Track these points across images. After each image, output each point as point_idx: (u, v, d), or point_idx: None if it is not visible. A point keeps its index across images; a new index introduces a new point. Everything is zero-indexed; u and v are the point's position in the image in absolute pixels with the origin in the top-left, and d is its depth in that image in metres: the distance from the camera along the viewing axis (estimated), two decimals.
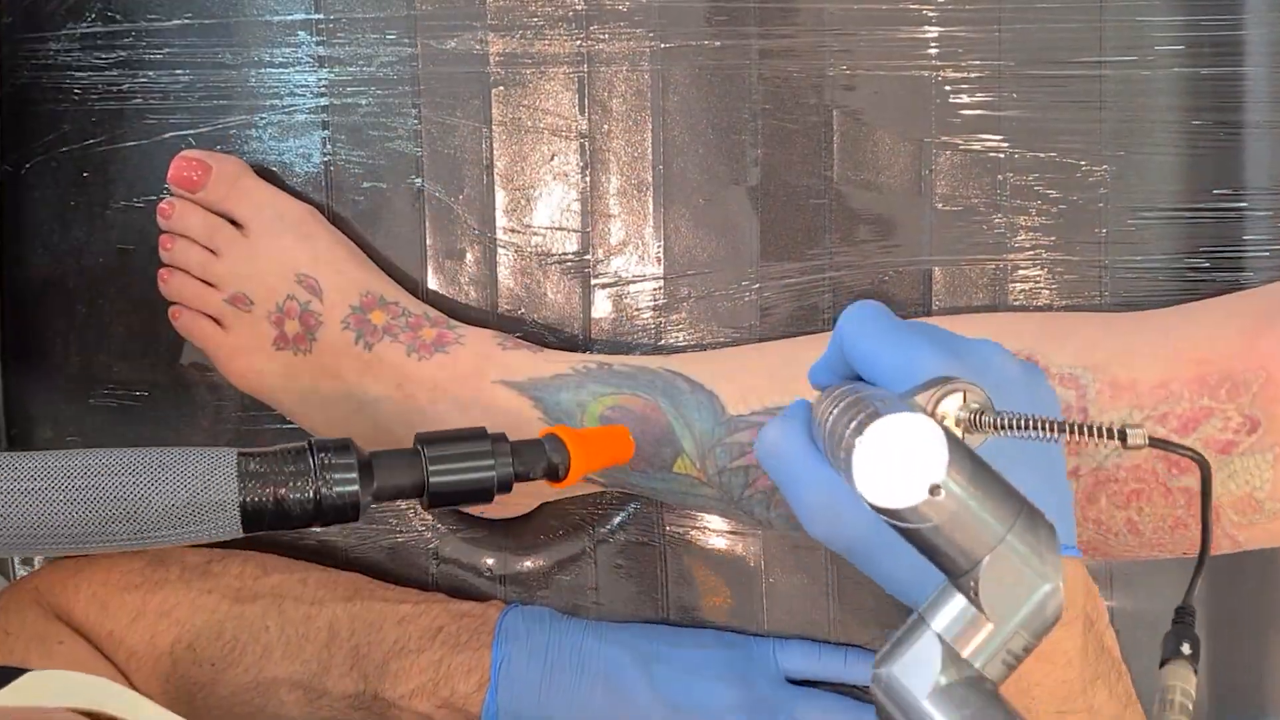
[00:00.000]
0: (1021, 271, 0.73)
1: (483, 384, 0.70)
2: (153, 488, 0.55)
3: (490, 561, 0.78)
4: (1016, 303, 0.73)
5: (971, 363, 0.49)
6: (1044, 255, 0.73)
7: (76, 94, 0.76)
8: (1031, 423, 0.42)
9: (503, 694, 0.71)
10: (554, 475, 0.62)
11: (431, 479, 0.59)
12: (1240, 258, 0.72)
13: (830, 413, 0.47)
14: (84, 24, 0.76)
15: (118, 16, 0.75)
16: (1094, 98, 0.72)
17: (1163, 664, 0.49)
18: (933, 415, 0.44)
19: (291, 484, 0.56)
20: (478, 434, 0.61)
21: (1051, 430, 0.41)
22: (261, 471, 0.56)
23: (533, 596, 0.78)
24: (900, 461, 0.39)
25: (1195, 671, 0.48)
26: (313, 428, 0.75)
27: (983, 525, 0.39)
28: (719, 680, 0.72)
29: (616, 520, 0.77)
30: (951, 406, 0.44)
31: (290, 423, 0.77)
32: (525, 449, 0.61)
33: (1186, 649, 0.49)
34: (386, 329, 0.72)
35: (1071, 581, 0.47)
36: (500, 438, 0.61)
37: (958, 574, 0.40)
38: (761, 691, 0.73)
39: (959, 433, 0.44)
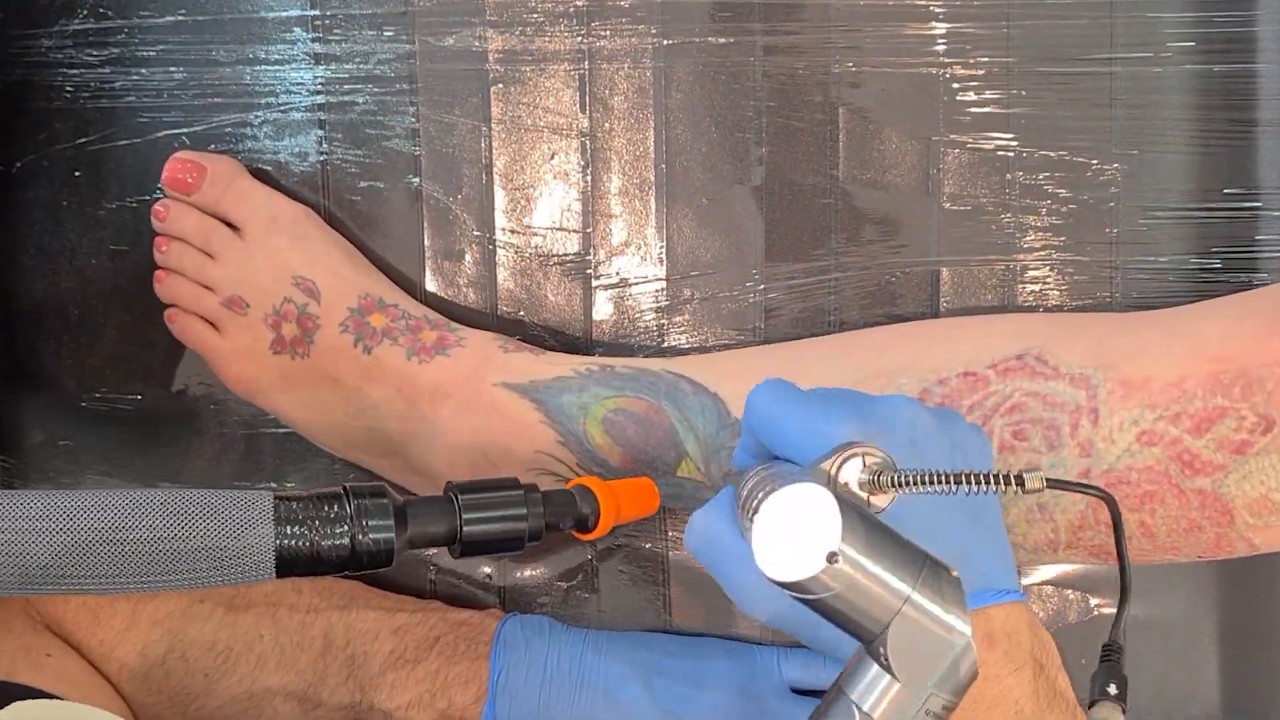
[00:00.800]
0: (1031, 272, 0.72)
1: (484, 387, 0.70)
2: (187, 530, 0.54)
3: (489, 569, 0.77)
4: (1026, 304, 0.72)
5: (880, 421, 0.49)
6: (1054, 255, 0.72)
7: (68, 91, 0.75)
8: (928, 477, 0.42)
9: (501, 706, 0.70)
10: (583, 526, 0.62)
11: (465, 528, 0.58)
12: (1254, 258, 0.71)
13: (742, 495, 0.48)
14: (76, 20, 0.75)
15: (110, 13, 0.74)
16: (1104, 95, 0.71)
17: (1091, 704, 0.49)
18: (834, 482, 0.45)
19: (328, 530, 0.55)
20: (510, 483, 0.61)
21: (948, 483, 0.42)
22: (298, 516, 0.55)
23: (533, 604, 0.77)
24: (795, 534, 0.39)
25: (1124, 710, 0.48)
26: (310, 434, 0.74)
27: (885, 587, 0.39)
28: (721, 691, 0.71)
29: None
30: (852, 472, 0.45)
31: (286, 429, 0.76)
32: (556, 499, 0.61)
33: (1114, 689, 0.49)
34: (386, 331, 0.71)
35: (1016, 625, 0.47)
36: (532, 488, 0.61)
37: (868, 640, 0.40)
38: (765, 703, 0.72)
39: (864, 496, 0.44)
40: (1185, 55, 0.71)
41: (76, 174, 0.76)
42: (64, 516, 0.53)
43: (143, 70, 0.75)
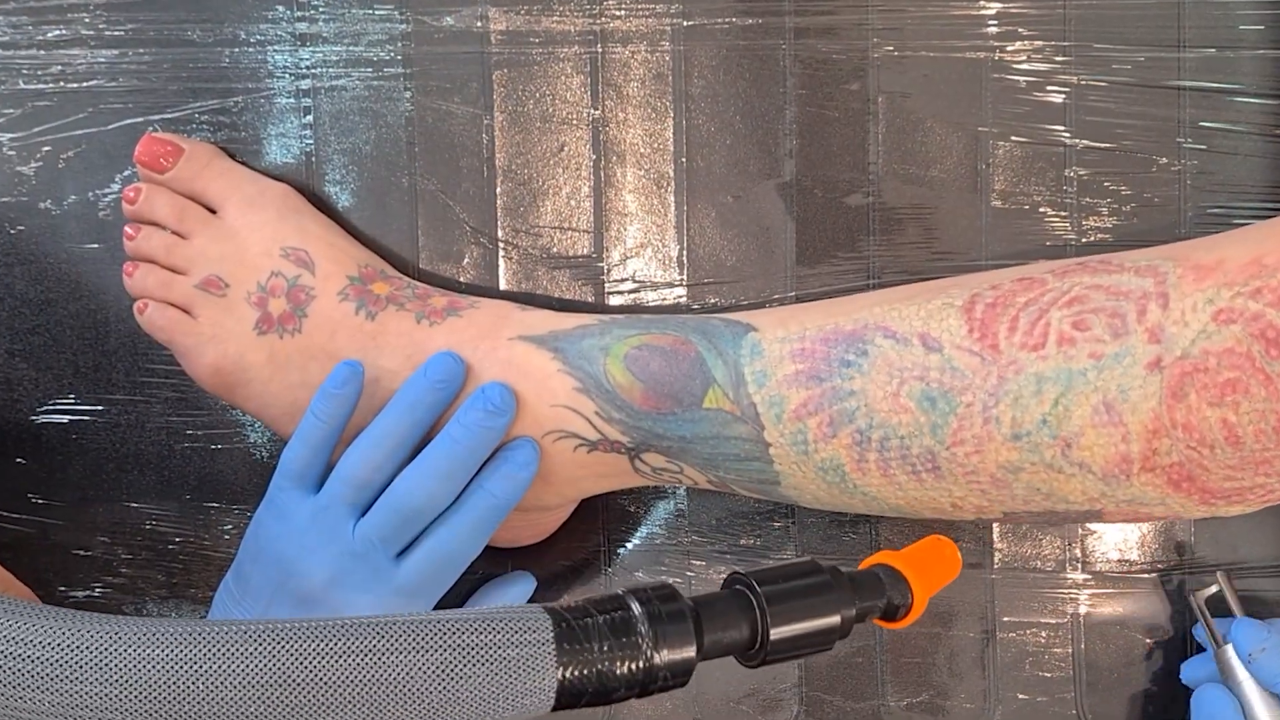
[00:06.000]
0: None
1: (499, 342, 0.64)
2: (450, 669, 0.41)
3: None
4: None
5: None
6: None
7: (25, 74, 0.69)
8: None
9: None
10: (891, 615, 0.51)
11: (772, 631, 0.46)
12: None
13: None
14: None
15: None
16: (1172, 82, 0.65)
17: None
18: None
19: (617, 649, 0.43)
20: (810, 567, 0.49)
21: None
22: (581, 632, 0.43)
23: None
24: None
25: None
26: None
27: None
28: None
29: (631, 546, 0.70)
30: None
31: (273, 447, 0.69)
32: (863, 583, 0.50)
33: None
34: (391, 298, 0.65)
35: None
36: (834, 570, 0.50)
37: None
38: None
39: None
40: (1259, 38, 0.65)
41: (34, 165, 0.69)
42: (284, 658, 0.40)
43: (109, 51, 0.69)
